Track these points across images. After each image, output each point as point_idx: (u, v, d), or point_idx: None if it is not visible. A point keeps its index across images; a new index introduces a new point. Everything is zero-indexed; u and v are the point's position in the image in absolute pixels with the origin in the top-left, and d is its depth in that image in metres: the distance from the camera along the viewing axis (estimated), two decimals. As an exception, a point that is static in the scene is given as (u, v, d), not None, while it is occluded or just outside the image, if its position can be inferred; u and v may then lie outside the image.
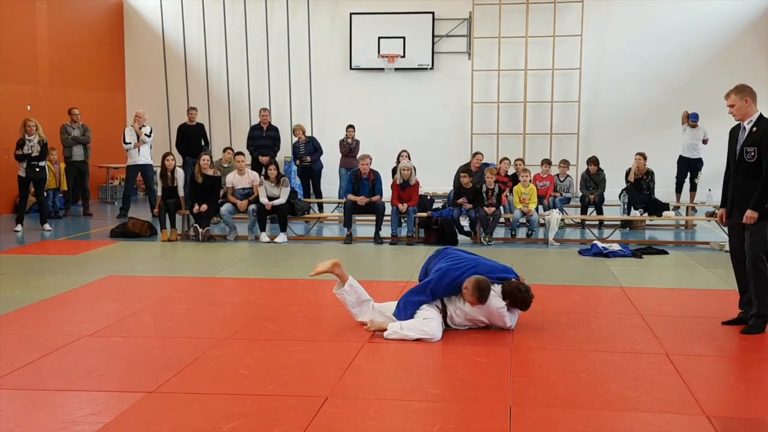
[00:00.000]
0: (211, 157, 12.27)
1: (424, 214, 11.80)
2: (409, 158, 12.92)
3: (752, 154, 6.04)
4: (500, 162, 13.73)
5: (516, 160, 13.61)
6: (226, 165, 13.07)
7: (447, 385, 5.03)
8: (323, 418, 4.43)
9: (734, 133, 6.30)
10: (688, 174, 14.55)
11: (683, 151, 14.50)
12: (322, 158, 14.85)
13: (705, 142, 14.30)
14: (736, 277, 6.47)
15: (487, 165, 13.98)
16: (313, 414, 4.46)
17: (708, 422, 4.37)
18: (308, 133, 15.28)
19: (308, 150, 14.58)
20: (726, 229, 6.69)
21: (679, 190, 14.59)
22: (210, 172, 11.83)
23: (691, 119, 14.30)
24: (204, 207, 11.53)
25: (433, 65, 17.46)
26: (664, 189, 14.07)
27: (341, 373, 5.21)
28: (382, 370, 5.36)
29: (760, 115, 6.12)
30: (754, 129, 6.07)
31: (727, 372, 5.41)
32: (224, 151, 13.62)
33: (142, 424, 4.35)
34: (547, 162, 13.68)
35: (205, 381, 5.08)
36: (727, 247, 10.83)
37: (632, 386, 4.91)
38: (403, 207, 11.57)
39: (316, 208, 14.36)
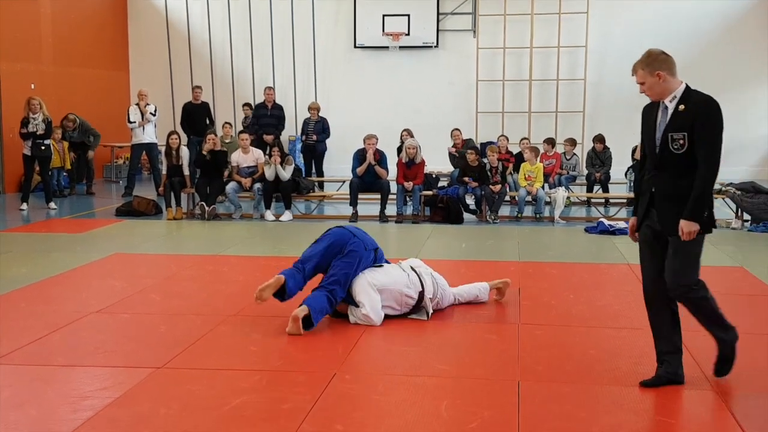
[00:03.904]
0: (216, 135, 12.27)
1: (430, 193, 11.78)
2: (412, 136, 12.88)
3: (681, 142, 4.36)
4: (498, 139, 13.70)
5: (522, 139, 13.55)
6: (227, 140, 13.10)
7: (455, 361, 5.02)
8: (331, 393, 4.43)
9: (649, 114, 4.67)
10: None
11: None
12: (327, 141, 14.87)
13: None
14: (651, 318, 4.69)
15: (490, 143, 13.96)
16: (321, 389, 4.46)
17: (716, 397, 4.38)
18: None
19: (317, 129, 14.57)
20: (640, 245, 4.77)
21: None
22: (216, 147, 11.84)
23: None
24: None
25: (437, 43, 17.36)
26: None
27: (349, 349, 5.22)
28: (389, 346, 5.37)
29: (687, 88, 4.45)
30: (681, 107, 4.39)
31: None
32: (223, 126, 13.71)
33: (151, 399, 4.36)
34: (549, 141, 13.52)
35: (212, 357, 5.09)
36: (734, 224, 10.90)
37: (640, 362, 4.90)
38: (408, 185, 11.53)
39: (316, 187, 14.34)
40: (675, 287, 4.46)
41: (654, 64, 4.44)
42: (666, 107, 4.47)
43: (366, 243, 6.01)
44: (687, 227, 4.32)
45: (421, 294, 5.91)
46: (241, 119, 15.79)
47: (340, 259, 5.82)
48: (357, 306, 5.78)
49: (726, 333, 4.59)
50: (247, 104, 15.69)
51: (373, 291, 5.77)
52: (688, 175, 4.34)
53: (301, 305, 5.57)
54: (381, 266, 6.04)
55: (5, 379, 4.66)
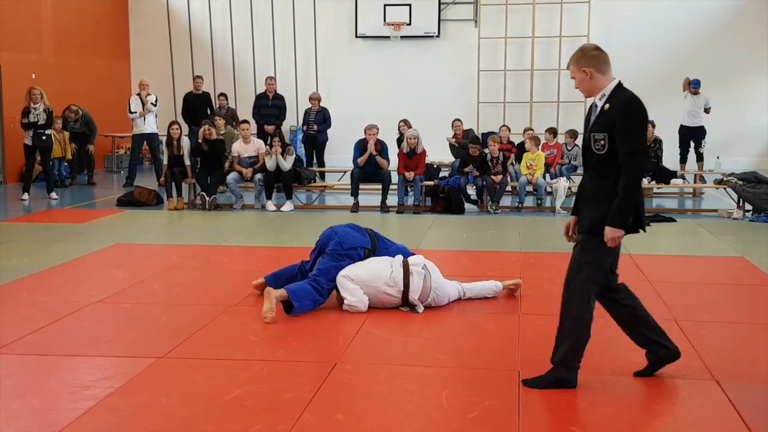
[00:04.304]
0: (213, 125, 12.26)
1: (431, 183, 11.77)
2: (409, 126, 12.86)
3: (602, 142, 4.16)
4: (499, 129, 13.67)
5: (526, 129, 13.51)
6: (222, 131, 13.06)
7: (455, 351, 5.03)
8: (332, 383, 4.44)
9: (589, 112, 4.43)
10: (692, 144, 14.37)
11: (684, 119, 14.21)
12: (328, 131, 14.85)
13: (707, 111, 14.10)
14: (612, 317, 4.66)
15: (492, 133, 13.93)
16: (322, 379, 4.47)
17: (717, 386, 4.38)
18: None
19: (318, 119, 14.55)
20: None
21: (683, 160, 14.41)
22: (212, 137, 11.83)
23: (693, 86, 14.08)
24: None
25: (439, 33, 17.31)
26: (672, 157, 13.99)
27: (350, 340, 5.23)
28: (390, 336, 5.37)
29: (618, 86, 4.27)
30: (606, 106, 4.21)
31: (736, 337, 5.39)
32: (215, 117, 13.67)
33: (153, 388, 4.37)
34: (551, 131, 13.45)
35: (214, 347, 5.10)
36: (735, 214, 10.91)
37: (641, 352, 4.89)
38: (410, 175, 11.52)
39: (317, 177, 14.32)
40: (574, 278, 4.42)
41: (581, 61, 4.29)
42: (596, 105, 4.30)
43: (343, 240, 6.10)
44: (611, 233, 4.15)
45: (404, 294, 5.87)
46: (234, 109, 15.63)
47: (322, 256, 6.07)
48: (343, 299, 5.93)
49: (569, 363, 4.36)
50: (222, 94, 15.40)
51: (349, 282, 5.85)
52: (609, 176, 4.16)
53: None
54: (363, 261, 6.09)
55: (7, 369, 4.68)
